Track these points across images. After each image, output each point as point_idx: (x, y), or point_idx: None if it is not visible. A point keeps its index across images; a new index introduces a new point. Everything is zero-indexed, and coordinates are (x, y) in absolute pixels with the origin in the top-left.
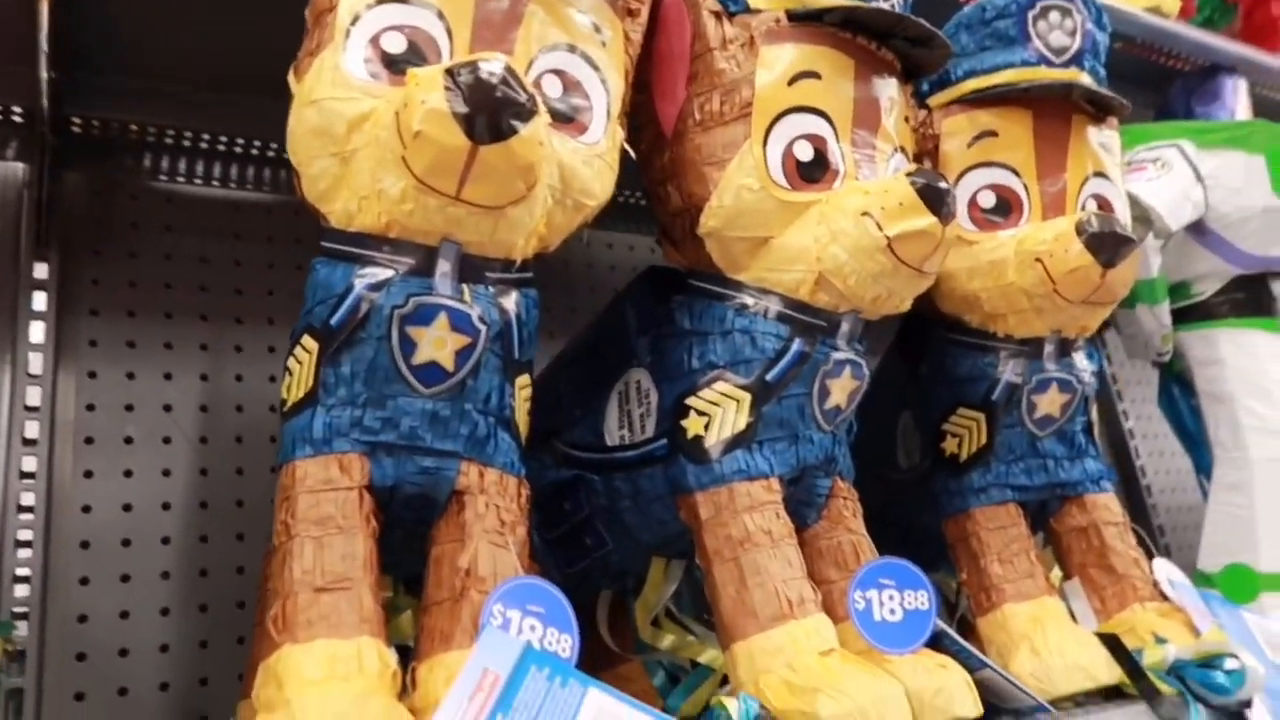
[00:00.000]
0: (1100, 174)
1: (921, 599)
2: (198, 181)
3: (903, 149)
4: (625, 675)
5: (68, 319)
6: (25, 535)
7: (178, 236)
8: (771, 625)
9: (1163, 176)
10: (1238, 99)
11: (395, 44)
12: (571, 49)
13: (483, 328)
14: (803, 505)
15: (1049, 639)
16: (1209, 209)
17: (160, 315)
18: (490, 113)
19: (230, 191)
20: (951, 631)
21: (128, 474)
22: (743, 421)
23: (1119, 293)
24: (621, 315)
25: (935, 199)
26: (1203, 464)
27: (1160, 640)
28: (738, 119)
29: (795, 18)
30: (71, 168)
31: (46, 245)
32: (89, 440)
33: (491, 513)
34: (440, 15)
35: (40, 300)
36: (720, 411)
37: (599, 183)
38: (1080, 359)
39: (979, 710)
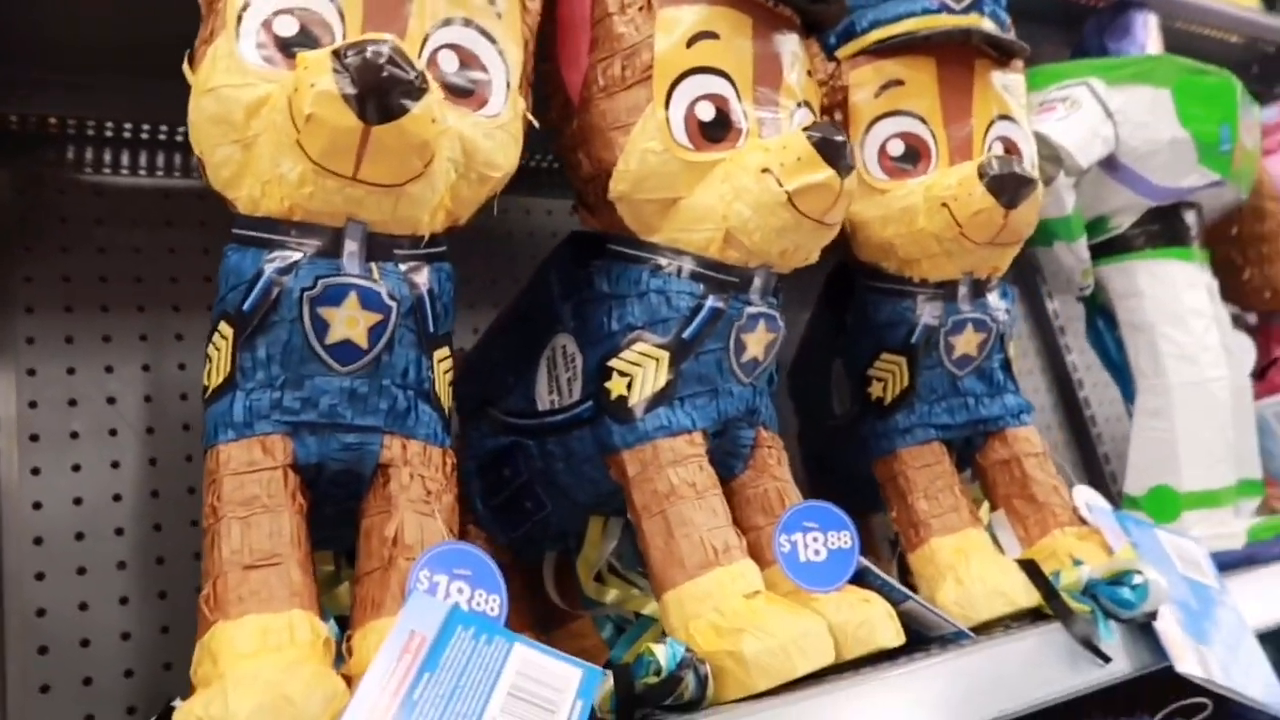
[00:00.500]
0: (1006, 117)
1: (844, 538)
2: (125, 172)
3: (807, 104)
4: (576, 632)
5: (3, 318)
6: None
7: (109, 228)
8: (699, 573)
9: (1072, 115)
10: (1149, 34)
11: (287, 27)
12: (467, 23)
13: (393, 304)
14: (729, 456)
15: (972, 568)
16: (1119, 144)
17: (97, 309)
18: (379, 93)
19: (159, 180)
20: (874, 568)
21: (76, 469)
22: (663, 379)
23: (1023, 232)
24: (546, 282)
25: (832, 152)
26: (1129, 393)
27: (1077, 562)
28: (639, 83)
29: None
30: None
31: None
32: (34, 438)
33: (416, 483)
34: None
35: None
36: (641, 371)
37: (503, 154)
38: (994, 299)
39: (901, 639)
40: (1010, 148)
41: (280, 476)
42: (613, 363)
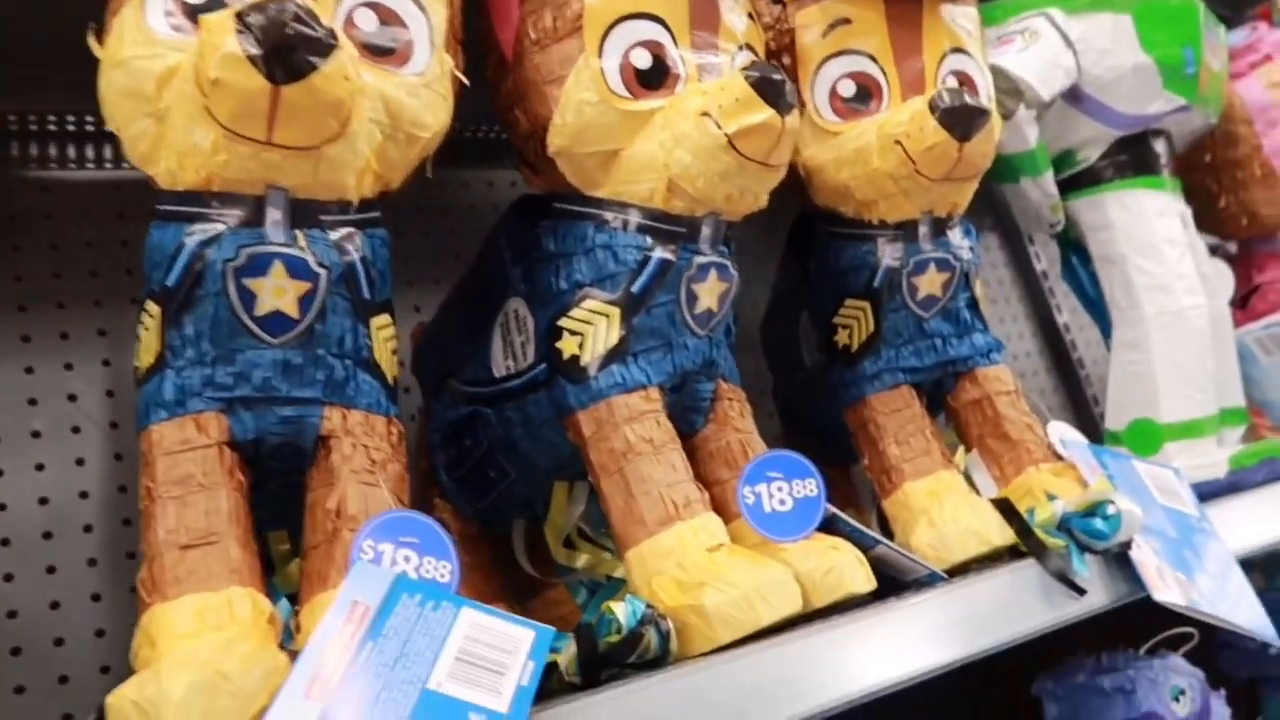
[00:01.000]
0: (958, 49)
1: (810, 486)
2: (72, 166)
3: (749, 47)
4: (552, 600)
5: None
6: None
7: (60, 224)
8: (659, 529)
9: (1031, 46)
10: None
11: None
12: None
13: (322, 272)
14: (689, 411)
15: (945, 510)
16: (1081, 73)
17: (53, 306)
18: (285, 51)
19: (109, 172)
20: (843, 515)
21: (40, 468)
22: (615, 336)
23: (980, 165)
24: (497, 248)
25: (771, 91)
26: (1107, 329)
27: (1052, 498)
28: (571, 33)
29: None
30: None
31: None
32: None
33: (359, 453)
34: None
35: None
36: (592, 329)
37: (430, 113)
38: (956, 236)
39: (871, 584)
40: (964, 80)
41: (215, 454)
42: (563, 322)
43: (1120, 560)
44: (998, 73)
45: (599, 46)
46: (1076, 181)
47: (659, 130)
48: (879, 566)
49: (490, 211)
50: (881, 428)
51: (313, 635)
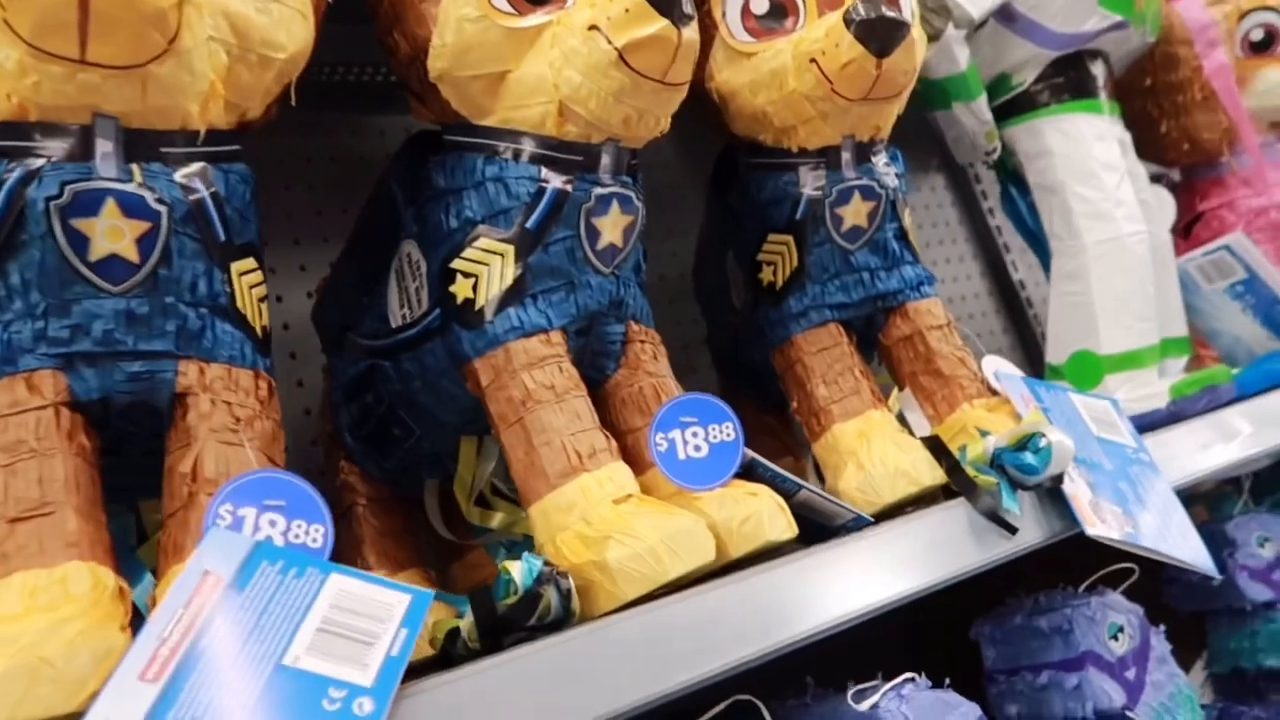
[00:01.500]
0: None
1: (727, 430)
2: None
3: None
4: (473, 563)
5: None
6: None
7: None
8: (562, 481)
9: None
10: None
11: None
12: None
13: (162, 209)
14: (599, 356)
15: (873, 451)
16: None
17: None
18: None
19: None
20: (762, 459)
21: None
22: (510, 276)
23: (901, 83)
24: (388, 188)
25: (664, 0)
26: (1047, 262)
27: (985, 434)
28: None
29: None
30: None
31: None
32: None
33: (220, 410)
34: None
35: None
36: (486, 270)
37: (284, 31)
38: (880, 163)
39: (792, 531)
40: None
41: (51, 416)
42: (455, 264)
43: (1055, 496)
44: None
45: None
46: (1012, 107)
47: (548, 48)
48: (804, 513)
49: (383, 162)
50: (809, 368)
51: (155, 611)
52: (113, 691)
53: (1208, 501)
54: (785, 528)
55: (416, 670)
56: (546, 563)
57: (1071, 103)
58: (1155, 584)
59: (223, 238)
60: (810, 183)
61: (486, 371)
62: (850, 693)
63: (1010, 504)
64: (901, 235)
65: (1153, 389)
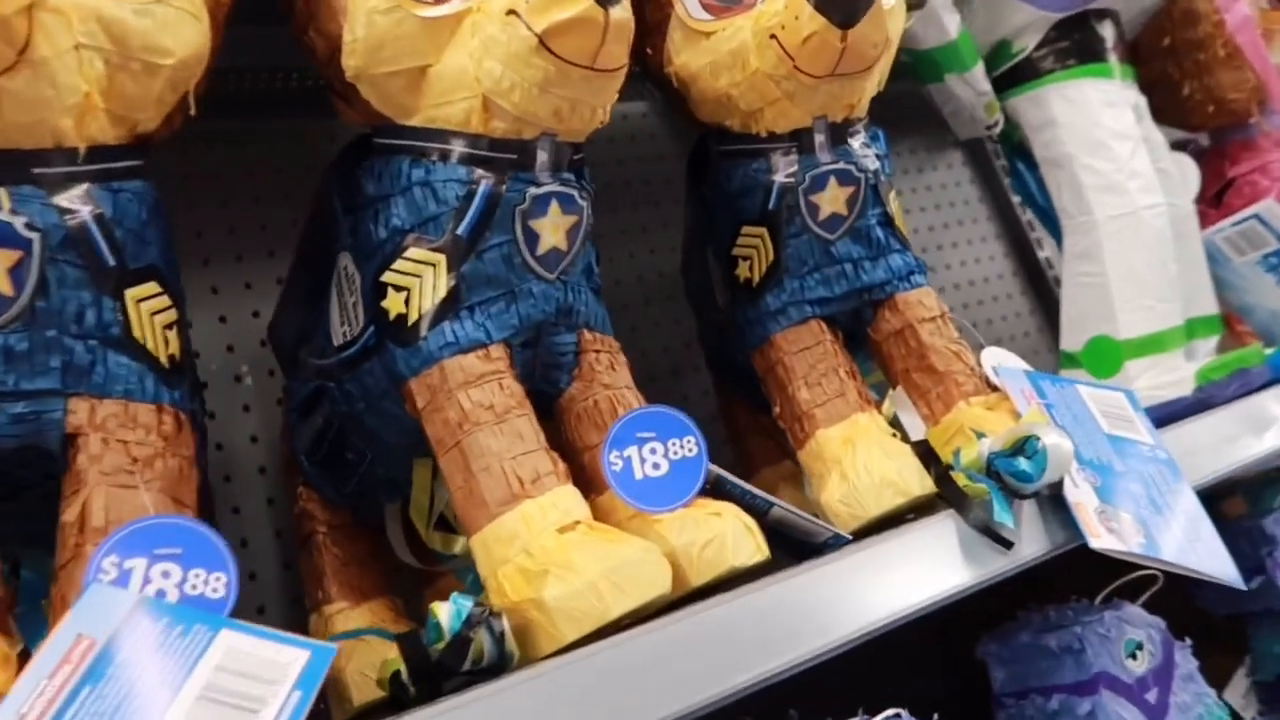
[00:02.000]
0: None
1: (689, 445)
2: None
3: None
4: (446, 588)
5: None
6: None
7: None
8: (503, 510)
9: None
10: None
11: None
12: None
13: (34, 236)
14: (550, 368)
15: (858, 459)
16: None
17: None
18: None
19: None
20: (729, 475)
21: None
22: (443, 288)
23: (870, 55)
24: (327, 197)
25: None
26: (1061, 240)
27: (981, 436)
28: None
29: None
30: None
31: None
32: None
33: (114, 451)
34: None
35: None
36: (418, 282)
37: (169, 35)
38: (858, 144)
39: (762, 554)
40: None
41: None
42: (386, 276)
43: (1058, 504)
44: None
45: None
46: (1015, 76)
47: (468, 38)
48: (780, 531)
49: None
50: (790, 370)
51: (17, 683)
52: None
53: (1248, 492)
54: (753, 551)
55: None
56: (478, 603)
57: (1078, 68)
58: (1185, 586)
59: (111, 263)
60: (782, 169)
61: (422, 392)
62: None
63: (1003, 516)
64: (887, 221)
65: (1178, 374)
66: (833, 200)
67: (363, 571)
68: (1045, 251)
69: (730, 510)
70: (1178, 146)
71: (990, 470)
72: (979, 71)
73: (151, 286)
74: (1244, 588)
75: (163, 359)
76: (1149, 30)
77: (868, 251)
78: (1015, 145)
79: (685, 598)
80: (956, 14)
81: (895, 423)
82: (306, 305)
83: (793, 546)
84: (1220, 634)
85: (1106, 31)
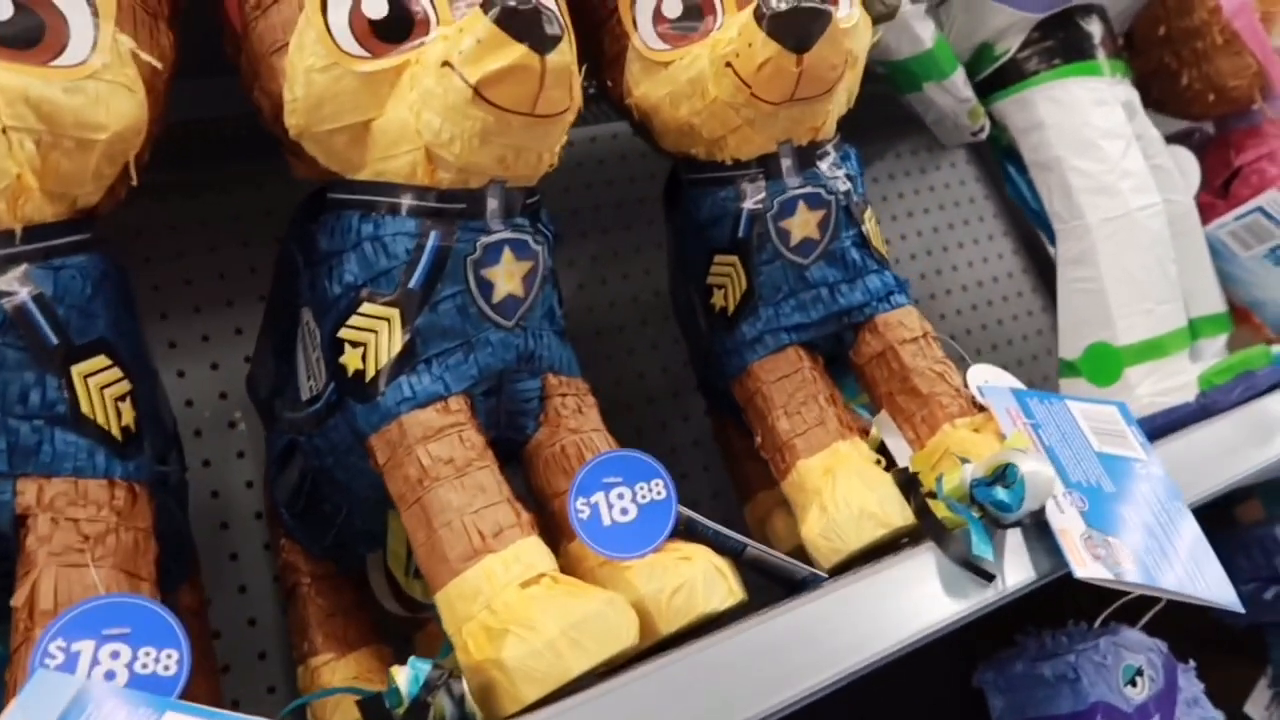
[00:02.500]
0: None
1: (657, 488)
2: None
3: None
4: (434, 634)
5: None
6: None
7: None
8: (465, 566)
9: None
10: None
11: None
12: None
13: None
14: (515, 415)
15: (838, 490)
16: None
17: None
18: None
19: None
20: (699, 517)
21: None
22: (399, 342)
23: (829, 78)
24: (289, 251)
25: (519, 24)
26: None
27: (965, 461)
28: None
29: None
30: None
31: None
32: None
33: (64, 530)
34: None
35: None
36: (374, 337)
37: (103, 109)
38: (827, 166)
39: (735, 598)
40: None
41: None
42: (342, 333)
43: (1043, 530)
44: None
45: (321, 1)
46: (999, 79)
47: (407, 91)
48: (756, 571)
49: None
50: (769, 399)
51: None
52: None
53: (1265, 494)
54: (725, 595)
55: None
56: (436, 665)
57: (1064, 67)
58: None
59: (54, 342)
60: (750, 196)
61: (382, 448)
62: None
63: (982, 549)
64: (862, 242)
65: (1181, 379)
66: (803, 225)
67: (348, 622)
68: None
69: (701, 554)
70: (1181, 136)
71: (973, 498)
72: (959, 78)
73: (100, 360)
74: (1242, 610)
75: (115, 432)
76: (1144, 20)
77: (844, 274)
78: (1004, 149)
79: (657, 646)
80: (930, 22)
81: (882, 449)
82: (278, 357)
83: (775, 582)
84: (1241, 645)
85: (1093, 28)
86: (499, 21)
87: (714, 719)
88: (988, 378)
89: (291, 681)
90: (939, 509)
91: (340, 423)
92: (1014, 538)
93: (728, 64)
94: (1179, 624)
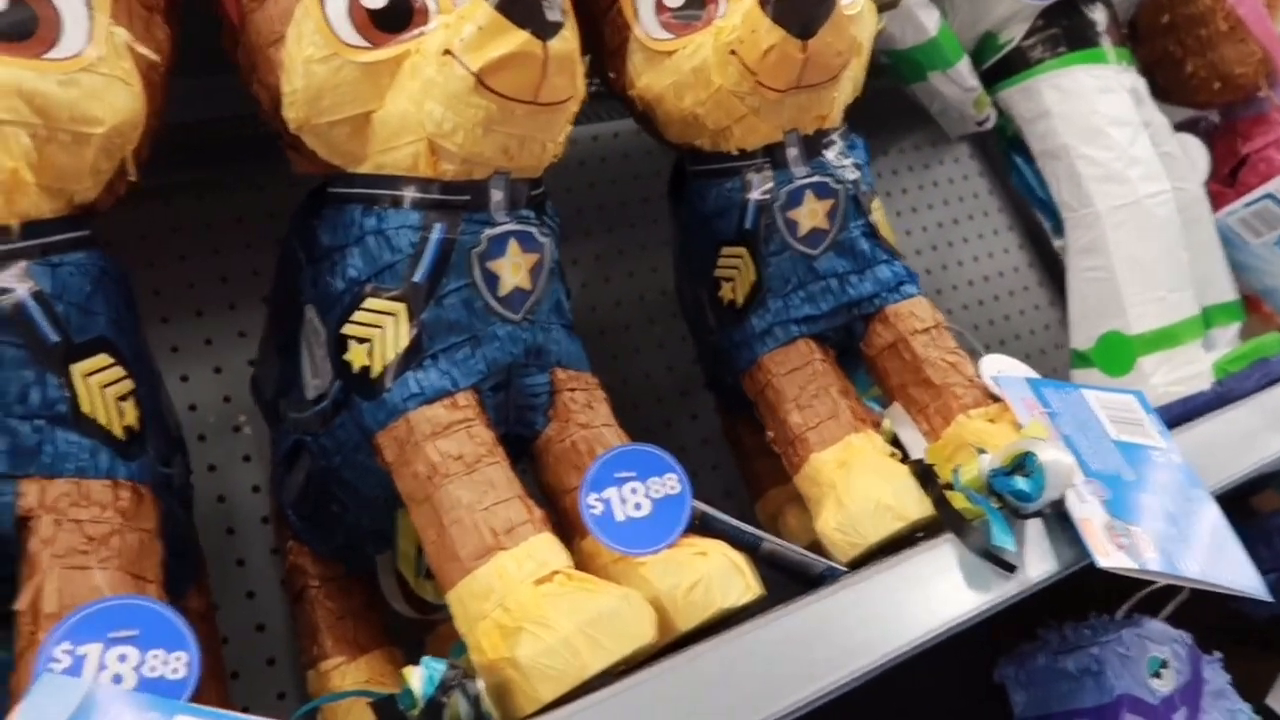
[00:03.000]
0: None
1: (671, 483)
2: None
3: None
4: (448, 635)
5: None
6: None
7: None
8: (476, 564)
9: None
10: None
11: None
12: None
13: None
14: (524, 410)
15: (853, 483)
16: None
17: None
18: None
19: None
20: (715, 511)
21: None
22: (405, 338)
23: (835, 65)
24: (291, 248)
25: (521, 11)
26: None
27: (981, 452)
28: None
29: None
30: None
31: None
32: None
33: (68, 531)
34: None
35: None
36: (379, 333)
37: (99, 103)
38: (834, 155)
39: (752, 593)
40: None
41: None
42: (347, 329)
43: (1065, 519)
44: None
45: None
46: (1004, 68)
47: (408, 81)
48: (774, 566)
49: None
50: (780, 392)
51: None
52: None
53: None
54: (743, 590)
55: None
56: (452, 665)
57: (1069, 55)
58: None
59: (54, 340)
60: (756, 186)
61: (390, 446)
62: None
63: (1002, 539)
64: (871, 232)
65: (1195, 368)
66: (811, 215)
67: (358, 624)
68: (1060, 241)
69: (717, 549)
70: (1188, 125)
71: (991, 489)
72: (964, 67)
73: (101, 359)
74: (1268, 599)
75: (117, 431)
76: (1147, 8)
77: (853, 265)
78: (1010, 139)
79: (674, 643)
80: (935, 10)
81: (895, 441)
82: (282, 357)
83: (792, 577)
84: (1264, 638)
85: (1097, 15)
86: (500, 8)
87: (735, 717)
88: (1001, 368)
89: (301, 687)
90: (957, 500)
91: (347, 421)
92: (1035, 529)
93: (732, 51)
94: (1199, 617)
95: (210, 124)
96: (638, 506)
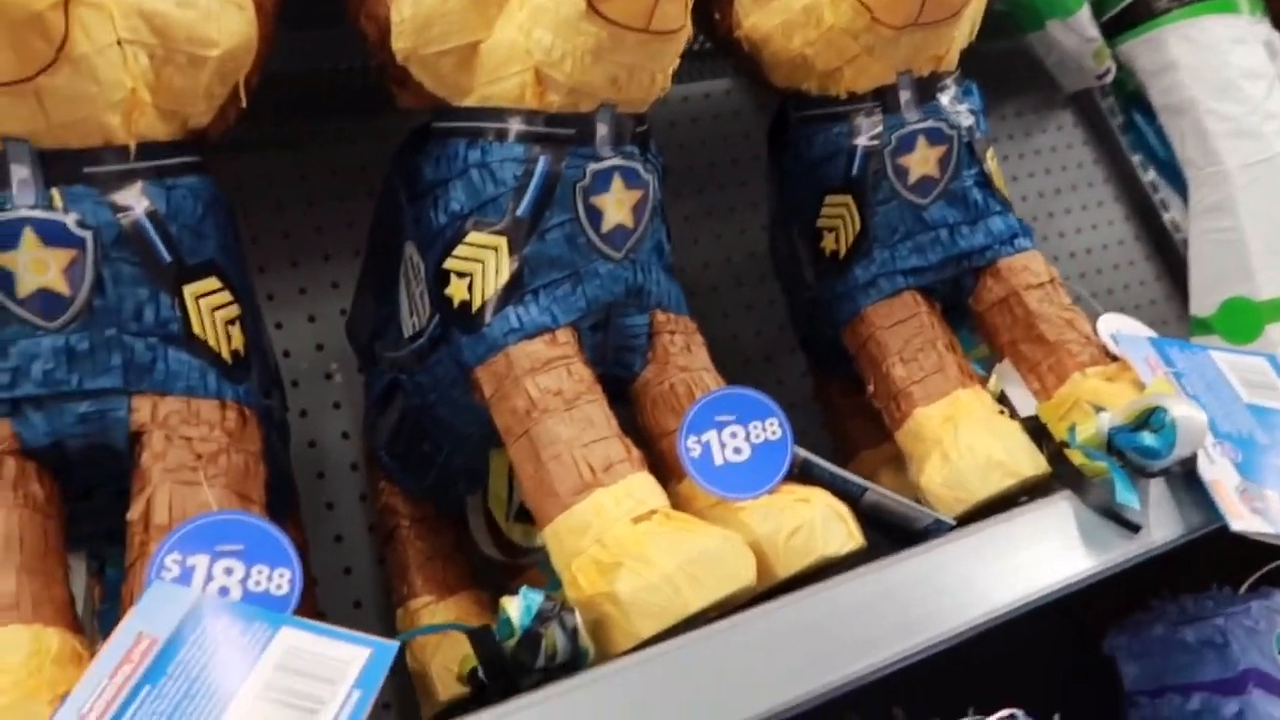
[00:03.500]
0: None
1: (772, 428)
2: None
3: None
4: (531, 581)
5: None
6: None
7: None
8: (575, 500)
9: None
10: None
11: None
12: None
13: (86, 234)
14: (622, 351)
15: (960, 438)
16: None
17: None
18: None
19: None
20: (817, 458)
21: None
22: (506, 272)
23: (956, 2)
24: (392, 187)
25: None
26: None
27: (1100, 410)
28: None
29: None
30: None
31: None
32: None
33: (177, 448)
34: None
35: None
36: (480, 267)
37: (214, 25)
38: (948, 99)
39: (854, 542)
40: None
41: None
42: (448, 264)
43: (1191, 482)
44: None
45: None
46: (1126, 19)
47: (516, 10)
48: (875, 516)
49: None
50: (883, 345)
51: (78, 685)
52: None
53: None
54: (845, 539)
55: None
56: (548, 597)
57: (1199, 4)
58: None
59: (168, 259)
60: (865, 131)
61: (489, 380)
62: None
63: (1126, 497)
64: (984, 182)
65: None
66: (923, 162)
67: (447, 565)
68: (1171, 213)
69: (819, 496)
70: None
71: (1111, 447)
72: (1084, 15)
73: (211, 282)
74: None
75: (225, 354)
76: None
77: (965, 215)
78: (1130, 95)
79: (773, 590)
80: None
81: (1002, 399)
82: (379, 298)
83: (892, 533)
84: None
85: None
86: None
87: (842, 664)
88: (1120, 327)
89: (387, 629)
90: (1075, 457)
91: (444, 357)
92: (1157, 489)
93: None
94: None
95: (306, 77)
96: (737, 451)
